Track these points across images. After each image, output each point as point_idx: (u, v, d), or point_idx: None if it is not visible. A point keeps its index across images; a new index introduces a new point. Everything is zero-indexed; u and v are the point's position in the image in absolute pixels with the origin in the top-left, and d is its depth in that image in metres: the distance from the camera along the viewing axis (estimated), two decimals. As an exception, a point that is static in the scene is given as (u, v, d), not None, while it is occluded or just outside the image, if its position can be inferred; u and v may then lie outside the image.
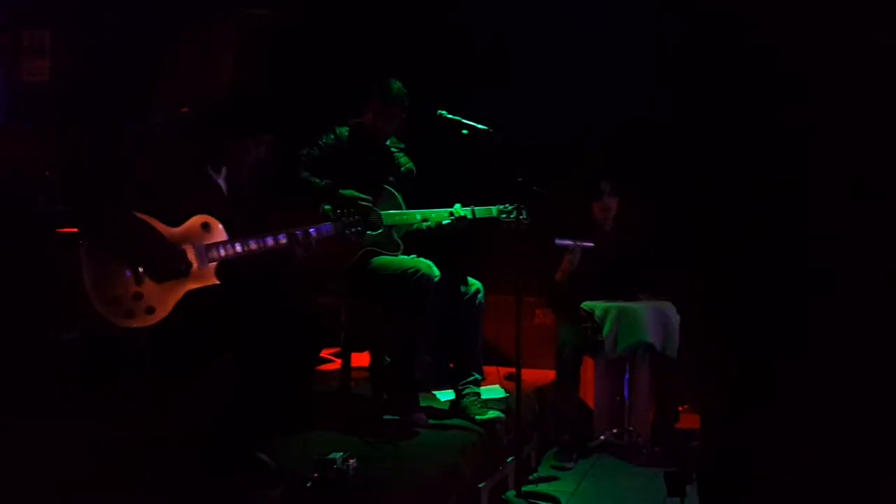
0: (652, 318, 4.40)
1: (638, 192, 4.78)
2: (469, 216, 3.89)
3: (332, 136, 3.98)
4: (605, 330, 4.40)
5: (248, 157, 3.13)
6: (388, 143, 4.07)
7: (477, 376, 3.91)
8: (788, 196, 2.26)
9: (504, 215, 3.84)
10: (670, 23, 4.53)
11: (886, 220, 2.16)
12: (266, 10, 5.11)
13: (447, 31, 5.23)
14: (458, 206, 3.90)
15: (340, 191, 3.76)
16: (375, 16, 5.22)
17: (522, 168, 3.77)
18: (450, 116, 3.82)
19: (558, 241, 4.55)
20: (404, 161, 4.12)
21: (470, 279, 3.96)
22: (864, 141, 2.18)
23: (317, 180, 3.82)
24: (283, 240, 3.05)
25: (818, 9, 2.21)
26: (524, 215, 3.76)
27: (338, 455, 2.89)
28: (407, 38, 5.15)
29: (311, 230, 3.16)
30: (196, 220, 2.92)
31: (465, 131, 3.77)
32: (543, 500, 3.71)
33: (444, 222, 3.88)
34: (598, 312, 4.46)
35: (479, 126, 3.74)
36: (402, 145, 4.16)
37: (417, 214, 3.94)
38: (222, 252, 2.92)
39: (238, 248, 2.96)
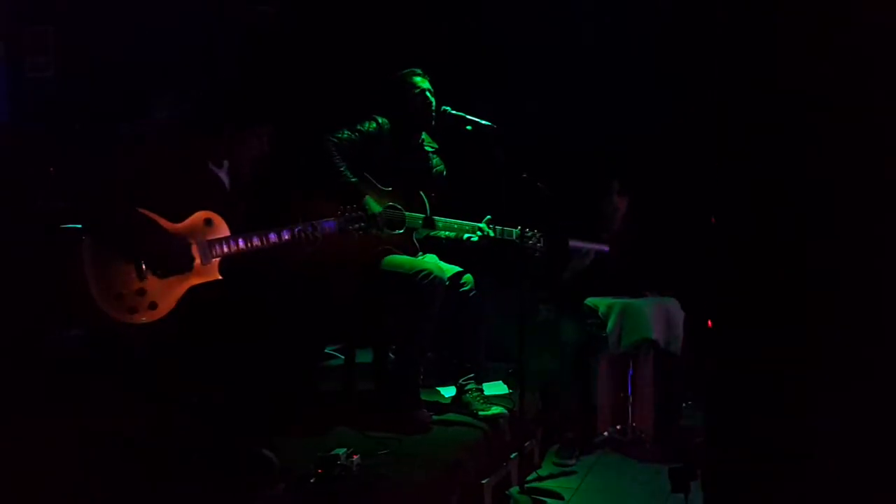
0: (656, 315, 4.40)
1: (645, 191, 4.78)
2: (493, 235, 3.87)
3: (375, 125, 3.86)
4: (609, 326, 4.40)
5: (250, 150, 3.14)
6: (422, 141, 4.02)
7: (479, 372, 3.90)
8: (790, 196, 2.25)
9: (520, 241, 3.84)
10: (672, 21, 4.53)
11: (889, 219, 2.16)
12: (268, 7, 5.12)
13: (448, 29, 5.22)
14: (485, 224, 3.88)
15: (368, 199, 3.68)
16: (377, 13, 5.21)
17: (527, 165, 3.76)
18: (454, 112, 3.81)
19: (573, 245, 4.55)
20: (437, 163, 4.07)
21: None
22: (866, 140, 2.18)
23: (349, 174, 3.69)
24: (286, 236, 3.05)
25: (818, 8, 2.20)
26: (541, 242, 3.91)
27: (341, 451, 2.90)
28: (407, 35, 5.14)
29: (310, 227, 3.17)
30: (199, 216, 2.93)
31: (468, 127, 3.75)
32: (547, 497, 3.71)
33: (473, 239, 3.86)
34: (601, 308, 4.46)
35: (483, 122, 3.72)
36: (436, 146, 4.10)
37: (440, 222, 3.91)
38: (225, 248, 2.92)
39: (241, 243, 2.96)
